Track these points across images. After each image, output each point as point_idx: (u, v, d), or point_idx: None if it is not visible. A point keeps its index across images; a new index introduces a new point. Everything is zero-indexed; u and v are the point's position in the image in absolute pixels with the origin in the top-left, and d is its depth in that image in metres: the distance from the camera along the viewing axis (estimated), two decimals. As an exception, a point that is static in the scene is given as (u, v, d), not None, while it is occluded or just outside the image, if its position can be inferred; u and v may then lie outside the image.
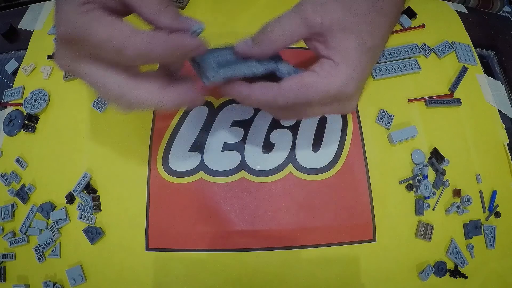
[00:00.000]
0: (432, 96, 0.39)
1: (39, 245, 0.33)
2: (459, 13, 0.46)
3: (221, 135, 0.36)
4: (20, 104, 0.38)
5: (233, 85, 0.27)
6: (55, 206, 0.34)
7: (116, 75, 0.24)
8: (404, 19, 0.43)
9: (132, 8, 0.24)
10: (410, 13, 0.43)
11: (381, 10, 0.27)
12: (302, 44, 0.41)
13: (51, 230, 0.33)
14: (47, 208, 0.34)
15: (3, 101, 0.39)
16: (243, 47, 0.27)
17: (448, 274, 0.33)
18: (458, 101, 0.39)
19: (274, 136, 0.36)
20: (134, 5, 0.24)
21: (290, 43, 0.26)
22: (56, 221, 0.34)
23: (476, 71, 0.42)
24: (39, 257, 0.33)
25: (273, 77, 0.27)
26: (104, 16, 0.22)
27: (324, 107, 0.27)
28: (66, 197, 0.34)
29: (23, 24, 0.44)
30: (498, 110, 0.40)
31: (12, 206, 0.35)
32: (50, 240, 0.33)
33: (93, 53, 0.23)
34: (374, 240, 0.33)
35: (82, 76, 0.24)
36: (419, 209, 0.34)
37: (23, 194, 0.35)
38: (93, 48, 0.22)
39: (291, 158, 0.35)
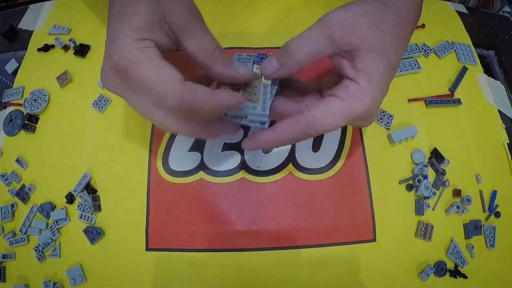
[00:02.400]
0: (432, 96, 0.39)
1: (39, 245, 0.33)
2: (459, 13, 0.46)
3: (221, 135, 0.36)
4: (20, 104, 0.38)
5: (255, 137, 0.26)
6: (55, 206, 0.34)
7: (157, 111, 0.24)
8: (404, 19, 0.43)
9: (186, 51, 0.26)
10: (410, 13, 0.43)
11: (405, 24, 0.27)
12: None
13: (51, 230, 0.33)
14: (47, 208, 0.34)
15: (3, 101, 0.39)
16: (270, 69, 0.26)
17: (448, 274, 0.33)
18: (458, 101, 0.39)
19: (274, 136, 0.36)
20: (190, 49, 0.25)
21: (315, 61, 0.26)
22: (56, 221, 0.34)
23: (476, 71, 0.42)
24: (39, 257, 0.33)
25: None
26: (156, 59, 0.23)
27: (345, 125, 0.27)
28: (66, 197, 0.34)
29: (23, 24, 0.44)
30: (498, 110, 0.40)
31: (12, 206, 0.35)
32: (50, 240, 0.33)
33: (139, 89, 0.24)
34: (374, 240, 0.33)
35: (128, 101, 0.26)
36: (419, 209, 0.34)
37: (23, 194, 0.35)
38: (141, 86, 0.23)
39: (291, 158, 0.35)
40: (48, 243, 0.33)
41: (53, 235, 0.33)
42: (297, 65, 0.26)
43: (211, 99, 0.23)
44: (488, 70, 0.43)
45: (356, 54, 0.25)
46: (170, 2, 0.25)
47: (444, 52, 0.41)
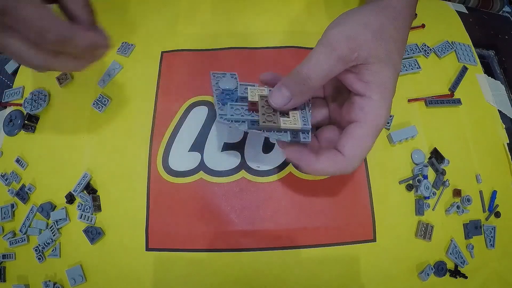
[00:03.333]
0: (432, 96, 0.39)
1: (39, 245, 0.33)
2: (459, 13, 0.46)
3: (221, 135, 0.36)
4: (20, 104, 0.38)
5: (300, 155, 0.26)
6: (55, 206, 0.34)
7: (36, 52, 0.25)
8: (404, 19, 0.43)
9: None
10: (410, 13, 0.43)
11: (403, 27, 0.27)
12: (301, 44, 0.41)
13: (51, 230, 0.33)
14: (47, 208, 0.34)
15: (3, 101, 0.39)
16: (281, 101, 0.26)
17: (448, 274, 0.33)
18: (458, 101, 0.39)
19: (274, 136, 0.36)
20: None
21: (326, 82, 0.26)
22: (56, 221, 0.34)
23: (476, 71, 0.42)
24: (39, 257, 0.33)
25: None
26: None
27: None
28: (66, 197, 0.34)
29: (23, 24, 0.44)
30: (498, 110, 0.40)
31: (12, 206, 0.35)
32: (50, 240, 0.33)
33: (16, 28, 0.24)
34: (374, 240, 0.33)
35: (2, 45, 0.25)
36: (419, 209, 0.34)
37: (23, 194, 0.35)
38: (17, 23, 0.23)
39: (291, 158, 0.35)
40: (48, 243, 0.33)
41: (53, 235, 0.33)
42: (311, 91, 0.26)
43: (86, 35, 0.25)
44: (488, 70, 0.43)
45: (364, 67, 0.25)
46: None
47: (444, 52, 0.41)
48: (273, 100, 0.26)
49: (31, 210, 0.34)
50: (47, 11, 0.23)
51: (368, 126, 0.25)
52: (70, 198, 0.34)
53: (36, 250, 0.33)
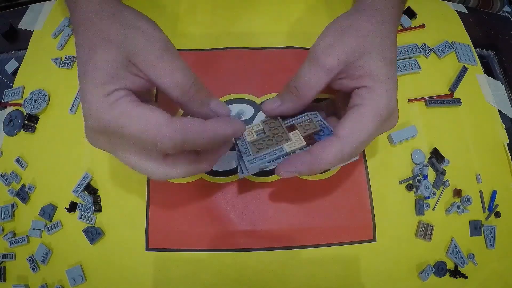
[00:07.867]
0: (432, 96, 0.39)
1: (33, 255, 0.33)
2: (459, 13, 0.46)
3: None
4: (20, 104, 0.38)
5: (292, 160, 0.26)
6: (57, 207, 0.34)
7: (149, 162, 0.24)
8: (404, 19, 0.43)
9: (159, 89, 0.24)
10: (410, 13, 0.43)
11: (383, 20, 0.27)
12: (301, 44, 0.41)
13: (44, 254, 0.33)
14: (48, 211, 0.34)
15: (3, 101, 0.39)
16: (271, 106, 0.28)
17: (448, 274, 0.33)
18: (458, 101, 0.39)
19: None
20: (162, 88, 0.24)
21: (317, 94, 0.26)
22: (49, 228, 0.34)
23: (476, 71, 0.42)
24: (33, 267, 0.33)
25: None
26: (133, 108, 0.22)
27: (379, 132, 0.27)
28: (69, 205, 0.34)
29: (23, 24, 0.44)
30: (498, 110, 0.40)
31: (12, 206, 0.35)
32: (44, 255, 0.33)
33: (126, 144, 0.23)
34: (374, 240, 0.33)
35: (118, 158, 0.25)
36: (419, 209, 0.34)
37: (23, 194, 0.35)
38: (126, 140, 0.23)
39: (291, 158, 0.35)
40: (43, 260, 0.33)
41: (46, 255, 0.33)
42: (301, 101, 0.27)
43: (204, 130, 0.23)
44: (488, 70, 0.43)
45: (350, 68, 0.26)
46: (134, 40, 0.23)
47: (444, 52, 0.41)
48: (264, 105, 0.28)
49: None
50: (152, 120, 0.22)
51: (367, 108, 0.25)
52: (72, 207, 0.34)
53: (30, 261, 0.33)
